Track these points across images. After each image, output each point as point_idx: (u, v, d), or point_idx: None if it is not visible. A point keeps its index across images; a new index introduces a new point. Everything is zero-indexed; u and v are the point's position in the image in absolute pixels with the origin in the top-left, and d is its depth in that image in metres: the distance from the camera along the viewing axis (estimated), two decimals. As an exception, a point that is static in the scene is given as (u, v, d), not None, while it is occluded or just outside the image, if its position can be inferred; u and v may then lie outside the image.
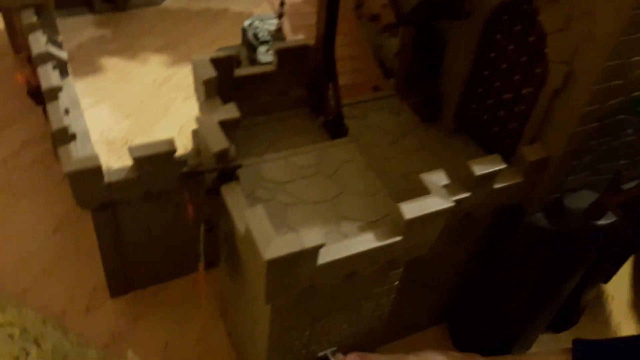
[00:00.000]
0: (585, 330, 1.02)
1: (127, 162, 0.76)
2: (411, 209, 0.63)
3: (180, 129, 1.23)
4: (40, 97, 1.03)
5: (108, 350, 0.88)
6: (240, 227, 0.63)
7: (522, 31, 0.71)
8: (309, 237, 0.58)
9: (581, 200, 0.77)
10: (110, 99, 1.29)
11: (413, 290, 0.87)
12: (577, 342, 0.67)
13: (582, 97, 0.64)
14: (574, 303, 0.96)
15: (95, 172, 0.72)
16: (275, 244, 0.57)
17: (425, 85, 0.87)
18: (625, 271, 1.12)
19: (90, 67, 1.36)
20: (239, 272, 0.75)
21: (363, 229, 0.70)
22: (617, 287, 1.09)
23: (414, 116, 0.89)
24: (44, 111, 1.12)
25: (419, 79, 0.87)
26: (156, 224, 0.87)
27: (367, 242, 0.64)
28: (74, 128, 0.76)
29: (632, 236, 0.86)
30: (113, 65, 1.39)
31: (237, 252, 0.70)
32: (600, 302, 1.07)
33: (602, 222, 0.76)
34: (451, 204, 0.65)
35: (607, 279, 1.03)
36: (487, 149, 0.83)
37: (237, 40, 1.29)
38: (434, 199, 0.65)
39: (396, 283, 0.76)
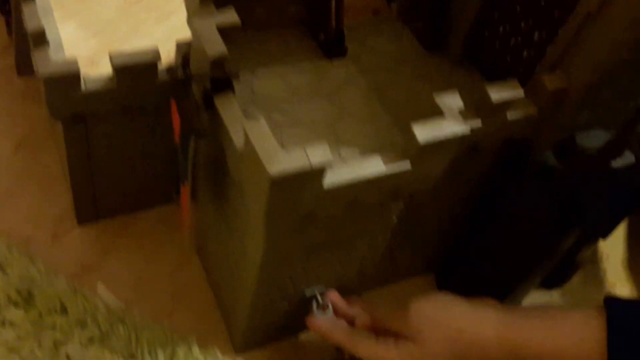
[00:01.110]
0: (577, 288, 1.00)
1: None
2: (425, 133, 0.60)
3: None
4: (6, 6, 0.98)
5: (77, 280, 0.84)
6: (238, 141, 0.59)
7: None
8: (316, 155, 0.54)
9: (594, 139, 0.74)
10: (78, 15, 1.22)
11: (405, 232, 0.84)
12: (610, 301, 0.64)
13: (618, 24, 0.61)
14: (570, 259, 0.94)
15: (73, 78, 0.68)
16: (281, 160, 0.53)
17: (433, 10, 0.83)
18: (620, 229, 1.10)
19: (59, -19, 1.29)
20: (225, 197, 0.71)
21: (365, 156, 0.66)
22: (612, 246, 1.07)
23: (415, 42, 0.86)
24: (7, 23, 1.07)
25: (428, 2, 0.83)
26: (130, 145, 0.83)
27: (376, 166, 0.60)
28: (47, 36, 0.71)
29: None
30: (83, -21, 1.32)
31: (225, 175, 0.67)
32: (594, 260, 1.05)
33: (618, 163, 0.73)
34: (468, 130, 0.61)
35: (606, 234, 1.01)
36: (493, 80, 0.79)
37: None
38: (450, 122, 0.61)
39: (394, 219, 0.73)
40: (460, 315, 0.70)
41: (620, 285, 1.02)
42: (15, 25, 0.94)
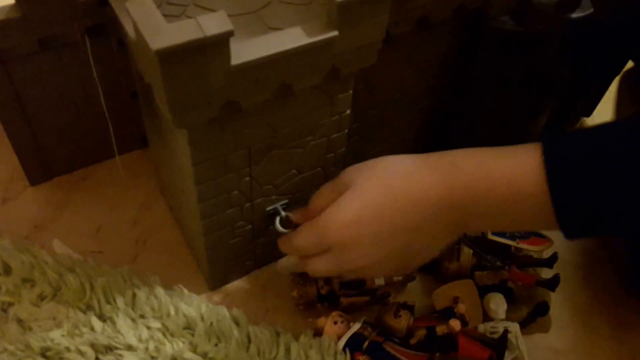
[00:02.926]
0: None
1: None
2: (344, -9, 0.49)
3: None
4: None
5: (30, 240, 0.75)
6: (130, 32, 0.49)
7: None
8: (212, 24, 0.44)
9: (552, -6, 0.65)
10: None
11: (376, 132, 0.74)
12: (546, 134, 0.54)
13: None
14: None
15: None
16: (167, 32, 0.43)
17: None
18: (608, 110, 0.99)
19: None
20: (157, 115, 0.61)
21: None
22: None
23: None
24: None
25: None
26: (66, 88, 0.73)
27: (294, 38, 0.50)
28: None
29: (612, 50, 0.73)
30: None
31: (148, 89, 0.57)
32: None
33: (577, 14, 0.64)
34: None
35: (589, 111, 0.90)
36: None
37: None
38: (373, -21, 0.51)
39: (347, 112, 0.63)
40: (397, 166, 0.60)
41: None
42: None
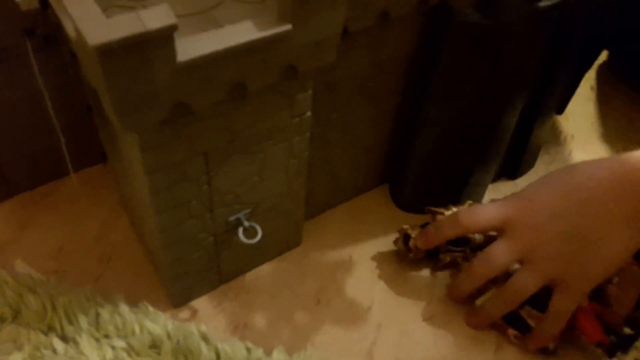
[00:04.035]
0: (543, 173, 0.88)
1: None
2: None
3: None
4: None
5: (-10, 262, 0.72)
6: (71, 32, 0.46)
7: None
8: (154, 17, 0.41)
9: (519, -16, 0.63)
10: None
11: (341, 136, 0.71)
12: None
13: None
14: (527, 140, 0.81)
15: None
16: (106, 27, 0.40)
17: None
18: (582, 108, 0.98)
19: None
20: (110, 126, 0.59)
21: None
22: (576, 125, 0.97)
23: None
24: None
25: None
26: (18, 106, 0.70)
27: (244, 33, 0.47)
28: None
29: (584, 41, 0.71)
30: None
31: (98, 99, 0.54)
32: (558, 142, 0.93)
33: (545, 3, 0.62)
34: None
35: (560, 109, 0.89)
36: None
37: None
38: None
39: (308, 114, 0.60)
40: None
41: (588, 161, 0.90)
42: None
